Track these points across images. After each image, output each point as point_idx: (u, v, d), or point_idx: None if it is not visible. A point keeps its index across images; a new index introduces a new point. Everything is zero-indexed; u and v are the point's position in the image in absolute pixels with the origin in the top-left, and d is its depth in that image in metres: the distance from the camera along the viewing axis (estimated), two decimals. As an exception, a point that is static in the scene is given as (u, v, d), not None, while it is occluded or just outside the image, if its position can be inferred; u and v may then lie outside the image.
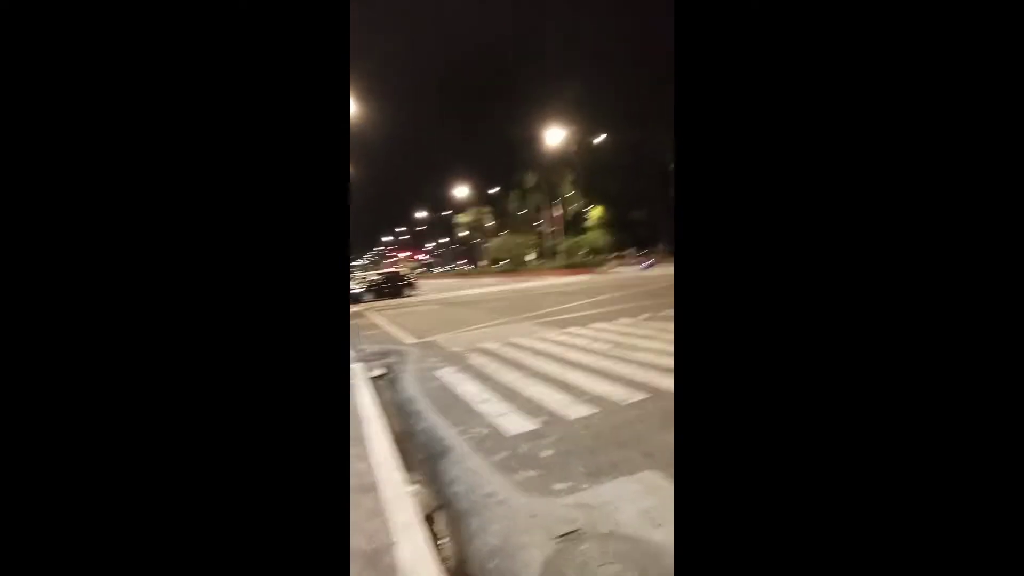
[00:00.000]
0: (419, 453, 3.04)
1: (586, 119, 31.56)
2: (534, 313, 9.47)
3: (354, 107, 11.97)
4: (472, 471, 2.59)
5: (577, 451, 2.69)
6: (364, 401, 3.88)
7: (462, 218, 49.85)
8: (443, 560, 1.79)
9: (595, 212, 35.63)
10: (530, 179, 36.42)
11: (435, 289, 23.64)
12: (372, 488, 2.26)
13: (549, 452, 2.71)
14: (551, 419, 3.24)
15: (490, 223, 47.47)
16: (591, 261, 27.87)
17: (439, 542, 1.96)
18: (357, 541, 1.81)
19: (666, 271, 20.61)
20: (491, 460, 2.68)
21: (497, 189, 46.23)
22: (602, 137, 31.57)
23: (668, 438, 2.73)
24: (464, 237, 54.12)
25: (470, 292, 18.76)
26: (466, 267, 58.88)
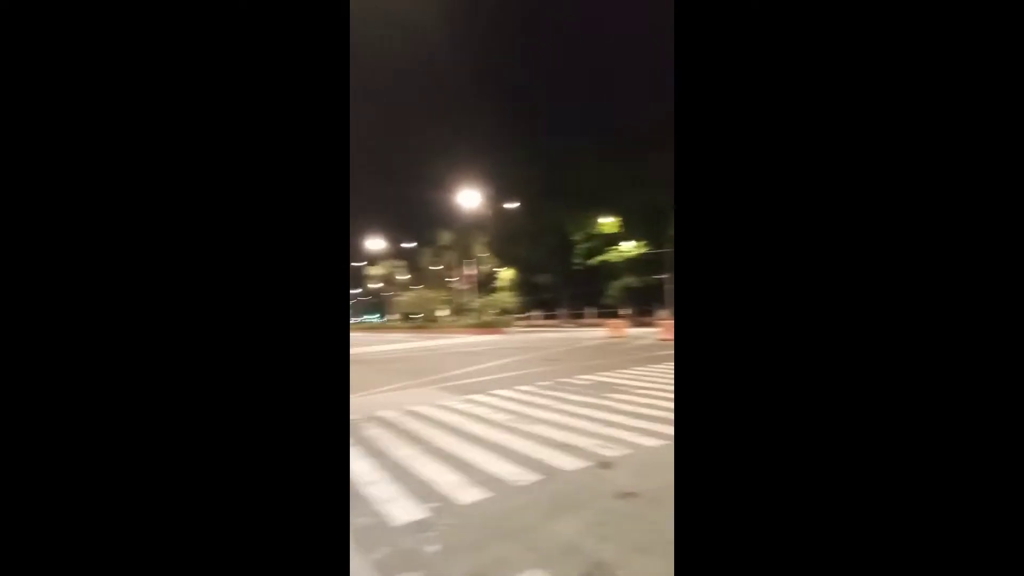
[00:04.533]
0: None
1: (500, 186, 33.15)
2: (438, 376, 9.27)
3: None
4: (347, 573, 2.36)
5: (463, 545, 2.58)
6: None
7: (374, 270, 48.59)
8: None
9: (505, 274, 36.64)
10: (445, 237, 36.86)
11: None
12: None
13: (435, 547, 2.57)
14: (443, 505, 3.11)
15: (403, 277, 46.73)
16: (499, 321, 28.28)
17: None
18: None
19: (567, 335, 21.43)
20: (369, 557, 2.48)
21: (413, 244, 46.07)
22: (514, 204, 33.14)
23: (555, 527, 2.73)
24: (375, 289, 52.50)
25: (376, 349, 17.98)
26: (376, 320, 56.73)
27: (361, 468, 3.95)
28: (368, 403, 6.80)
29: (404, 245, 47.07)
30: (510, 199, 33.02)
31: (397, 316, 44.52)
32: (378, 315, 58.25)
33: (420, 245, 43.26)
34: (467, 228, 35.17)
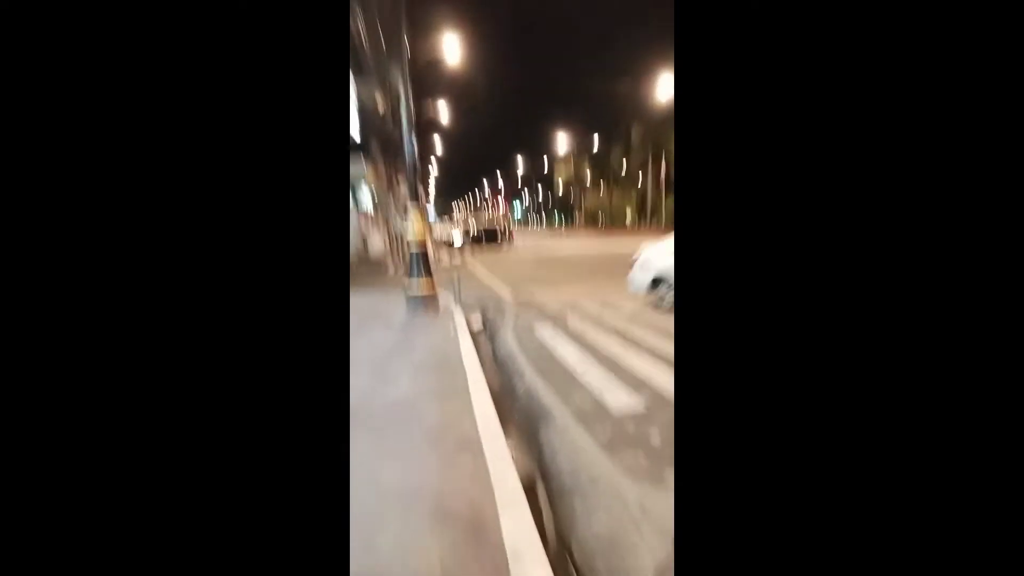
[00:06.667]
0: (518, 415, 3.00)
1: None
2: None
3: (457, 49, 11.59)
4: (574, 445, 2.47)
5: (691, 442, 2.45)
6: (466, 354, 3.92)
7: (559, 171, 48.78)
8: (545, 542, 1.71)
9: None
10: (635, 134, 34.29)
11: (531, 242, 23.62)
12: (474, 447, 2.23)
13: (658, 441, 2.50)
14: (657, 400, 3.02)
15: (589, 178, 45.93)
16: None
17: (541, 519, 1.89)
18: (457, 504, 1.81)
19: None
20: (595, 438, 2.54)
21: (600, 143, 44.24)
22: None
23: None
24: (560, 193, 53.13)
25: (566, 250, 18.49)
26: (562, 222, 58.12)
27: (573, 358, 4.09)
28: (566, 295, 7.01)
29: (591, 143, 45.52)
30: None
31: (582, 219, 44.71)
32: (563, 219, 59.38)
33: (608, 143, 41.24)
34: (660, 120, 31.96)
